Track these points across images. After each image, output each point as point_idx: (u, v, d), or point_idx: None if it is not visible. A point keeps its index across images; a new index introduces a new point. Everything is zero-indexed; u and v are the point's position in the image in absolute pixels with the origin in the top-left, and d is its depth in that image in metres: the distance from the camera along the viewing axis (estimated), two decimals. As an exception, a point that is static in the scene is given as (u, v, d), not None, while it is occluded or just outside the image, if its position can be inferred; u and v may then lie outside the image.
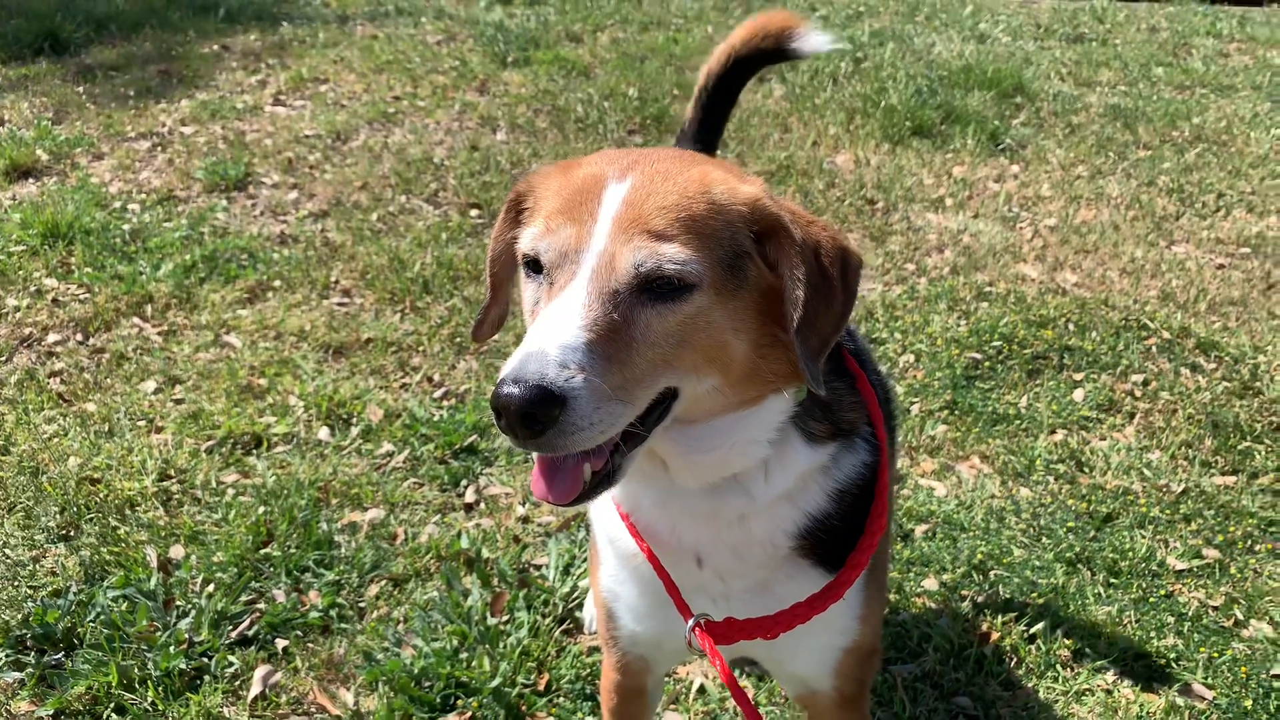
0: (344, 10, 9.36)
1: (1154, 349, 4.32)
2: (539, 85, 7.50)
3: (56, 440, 3.65)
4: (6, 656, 2.72)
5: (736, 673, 2.74)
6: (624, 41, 8.59)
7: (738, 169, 1.49)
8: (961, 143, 6.49)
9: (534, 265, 1.36)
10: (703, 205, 1.31)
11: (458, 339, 4.45)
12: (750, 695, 2.64)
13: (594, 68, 7.96)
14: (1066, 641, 2.74)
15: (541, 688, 2.66)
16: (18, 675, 2.68)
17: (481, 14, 9.23)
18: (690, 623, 1.56)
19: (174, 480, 3.47)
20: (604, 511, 1.68)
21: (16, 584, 2.95)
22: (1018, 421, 3.84)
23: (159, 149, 6.36)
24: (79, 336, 4.40)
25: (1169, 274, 4.99)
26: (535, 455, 1.28)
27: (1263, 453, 3.60)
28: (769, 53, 2.23)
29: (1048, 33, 9.23)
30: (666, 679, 2.72)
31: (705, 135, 2.38)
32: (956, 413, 3.90)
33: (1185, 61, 8.47)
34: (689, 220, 1.29)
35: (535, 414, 1.15)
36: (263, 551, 3.12)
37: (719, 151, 2.64)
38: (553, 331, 1.20)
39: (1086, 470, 3.57)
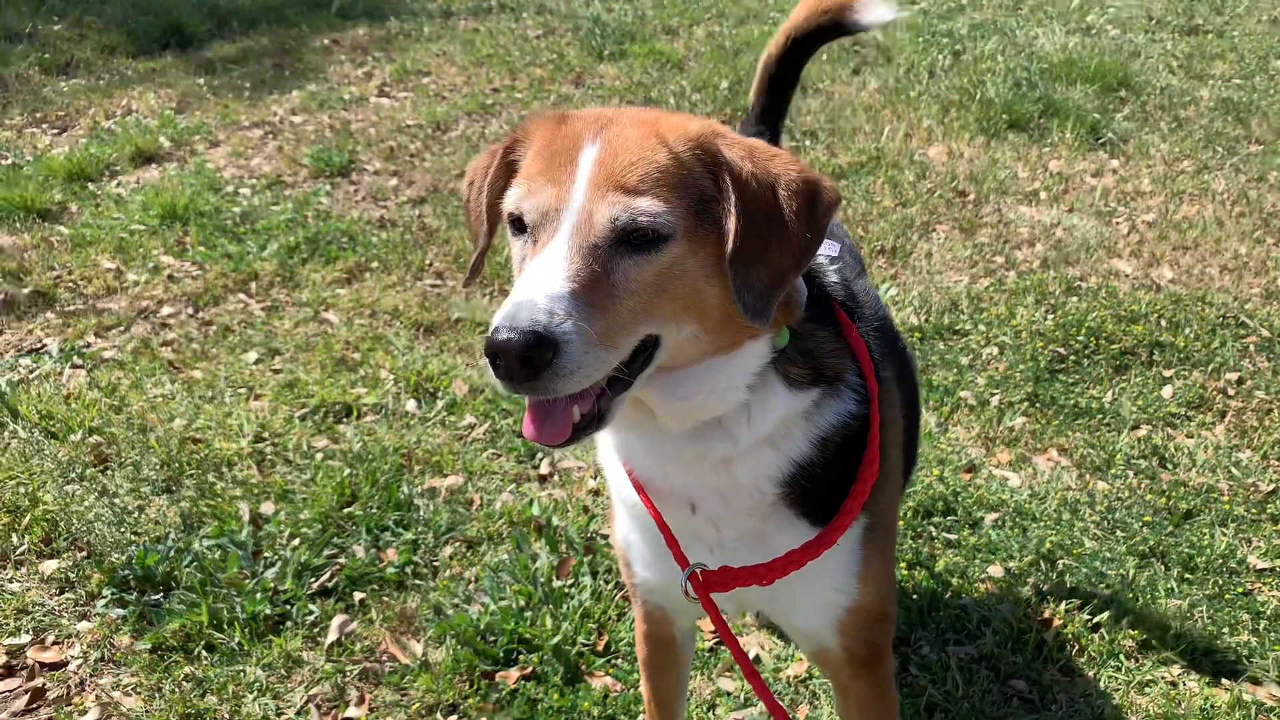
0: (449, 6, 9.64)
1: (1252, 347, 4.16)
2: (633, 78, 7.60)
3: (164, 403, 3.90)
4: (111, 595, 2.94)
5: (750, 615, 2.79)
6: (719, 35, 8.62)
7: (691, 115, 1.54)
8: (1059, 136, 6.33)
9: (518, 224, 1.43)
10: (665, 156, 1.39)
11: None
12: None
13: (688, 61, 8.03)
14: (1132, 632, 2.69)
15: (600, 648, 2.74)
16: (121, 612, 2.89)
17: (580, 8, 9.38)
18: (686, 571, 1.62)
19: (268, 443, 3.68)
20: (613, 465, 1.74)
21: (122, 529, 3.18)
22: (1100, 416, 3.76)
23: (270, 137, 6.69)
24: (190, 310, 4.68)
25: (1275, 271, 4.79)
26: (528, 399, 1.36)
27: (1362, 455, 3.45)
28: (828, 28, 2.26)
29: (1160, 25, 8.89)
30: (724, 647, 2.77)
31: (769, 119, 2.42)
32: (1037, 405, 3.83)
33: (1309, 54, 8.05)
34: (658, 173, 1.37)
35: (532, 357, 1.22)
36: (346, 511, 3.29)
37: (784, 138, 2.67)
38: (539, 283, 1.28)
39: (1169, 467, 3.48)
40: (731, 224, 1.37)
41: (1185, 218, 5.37)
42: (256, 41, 8.50)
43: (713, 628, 2.82)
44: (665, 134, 1.41)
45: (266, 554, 3.12)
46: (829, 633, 1.74)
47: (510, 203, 1.45)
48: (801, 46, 2.32)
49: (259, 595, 2.92)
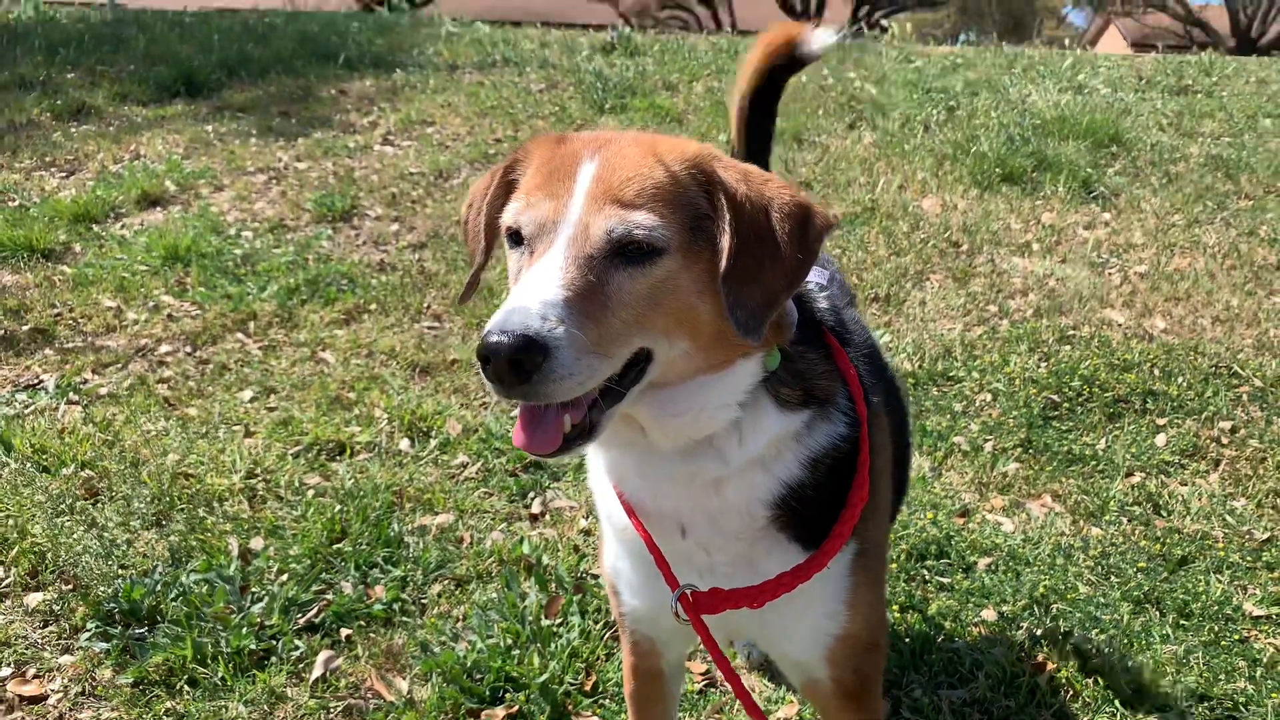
0: (454, 60, 9.84)
1: (1245, 397, 4.18)
2: (634, 130, 7.72)
3: (158, 438, 3.90)
4: (95, 628, 2.91)
5: (740, 658, 2.76)
6: (718, 91, 8.78)
7: (689, 139, 1.57)
8: (1052, 190, 6.42)
9: (515, 237, 1.46)
10: (662, 174, 1.41)
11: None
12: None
13: (687, 114, 8.17)
14: (1126, 679, 2.66)
15: (588, 688, 2.71)
16: (104, 646, 2.86)
17: (583, 63, 9.57)
18: (676, 593, 1.61)
19: (260, 479, 3.67)
20: (603, 490, 1.74)
21: (110, 562, 3.16)
22: (1094, 463, 3.76)
23: (274, 182, 6.77)
24: (188, 348, 4.70)
25: (1266, 324, 4.82)
26: (519, 407, 1.37)
27: (1356, 504, 3.44)
28: (786, 63, 2.33)
29: (1149, 84, 9.07)
30: (714, 688, 2.74)
31: (754, 159, 2.46)
32: (1031, 451, 3.83)
33: (1298, 115, 8.20)
34: (654, 189, 1.40)
35: (521, 360, 1.24)
36: (335, 546, 3.27)
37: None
38: (533, 290, 1.30)
39: (1164, 514, 3.47)
40: (725, 242, 1.40)
41: (1177, 269, 5.42)
42: (265, 90, 8.66)
43: (702, 670, 2.80)
44: (663, 153, 1.45)
45: (254, 589, 3.10)
46: (818, 661, 1.72)
47: (509, 217, 1.48)
48: (767, 85, 2.39)
49: (245, 630, 2.89)
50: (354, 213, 6.30)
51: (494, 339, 1.24)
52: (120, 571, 3.13)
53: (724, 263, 1.39)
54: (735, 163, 1.50)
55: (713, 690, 2.74)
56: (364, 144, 7.50)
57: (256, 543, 3.32)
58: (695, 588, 1.64)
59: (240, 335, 4.83)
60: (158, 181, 6.57)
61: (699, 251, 1.42)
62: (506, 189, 1.58)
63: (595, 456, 1.73)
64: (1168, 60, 10.30)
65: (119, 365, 4.52)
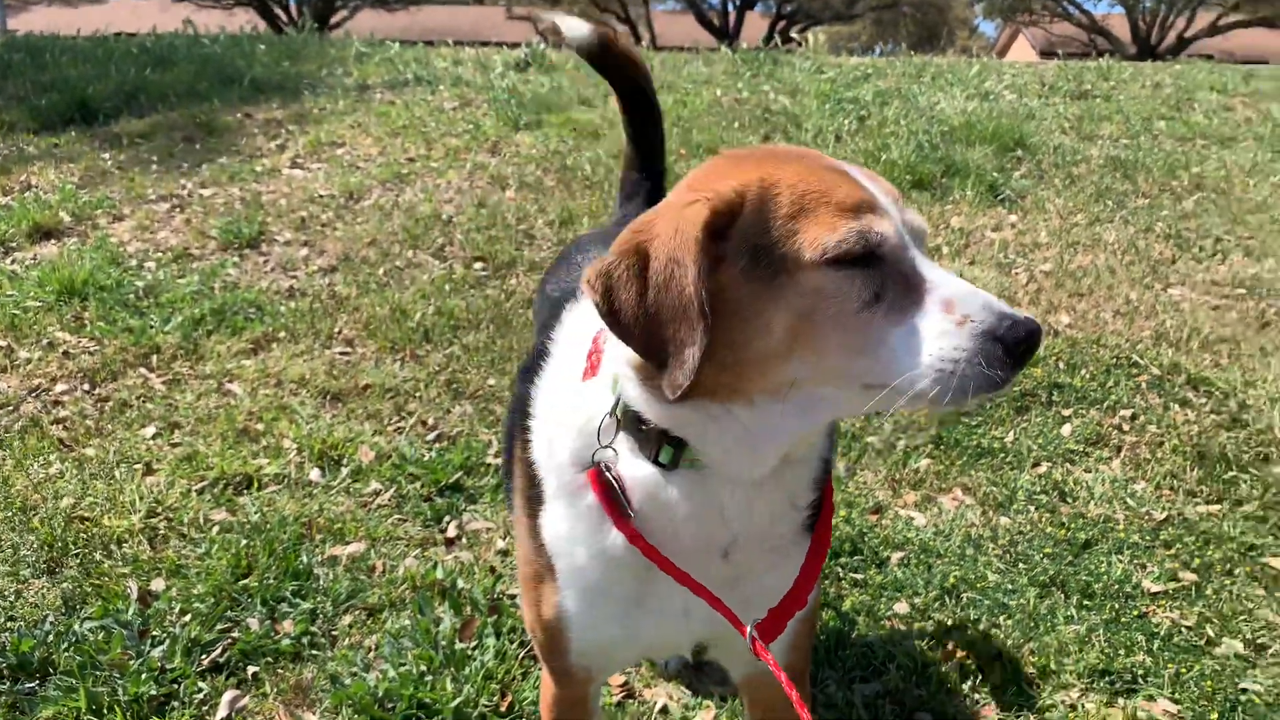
0: (364, 80, 9.72)
1: (1144, 385, 4.30)
2: (549, 146, 7.71)
3: (50, 482, 3.74)
4: (-18, 683, 2.77)
5: (675, 683, 2.72)
6: (632, 105, 8.81)
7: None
8: (961, 194, 6.56)
9: (853, 260, 1.37)
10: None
11: (454, 385, 4.53)
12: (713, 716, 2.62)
13: (603, 129, 8.18)
14: (1032, 660, 2.71)
15: (504, 709, 2.66)
16: (-8, 701, 2.72)
17: (497, 80, 9.53)
18: (749, 632, 1.53)
19: (162, 518, 3.54)
20: (578, 529, 1.65)
21: (-2, 613, 3.01)
22: (1002, 455, 3.83)
23: (177, 210, 6.59)
24: (86, 386, 4.53)
25: (1163, 315, 4.98)
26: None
27: (1248, 481, 3.56)
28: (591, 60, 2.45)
29: (1052, 90, 9.36)
30: (631, 699, 2.71)
31: (641, 159, 2.63)
32: (942, 447, 3.89)
33: (1188, 115, 8.54)
34: None
35: None
36: (241, 583, 3.17)
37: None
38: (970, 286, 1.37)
39: (1069, 500, 3.55)
40: None
41: (1080, 267, 5.58)
42: (166, 116, 8.43)
43: (620, 681, 2.77)
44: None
45: (155, 632, 2.98)
46: (785, 649, 1.72)
47: (831, 243, 1.40)
48: (614, 86, 2.54)
49: (144, 675, 2.77)
50: (262, 239, 6.15)
51: (1035, 323, 1.28)
52: (9, 624, 2.99)
53: None
54: None
55: (630, 701, 2.71)
56: (271, 168, 7.35)
57: (157, 584, 3.19)
58: (758, 619, 1.57)
59: (142, 370, 4.67)
60: (51, 212, 6.34)
61: None
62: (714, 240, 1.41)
63: (570, 507, 1.66)
64: (1069, 66, 10.65)
65: (10, 408, 4.33)
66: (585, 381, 1.63)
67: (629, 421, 1.52)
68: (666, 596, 1.63)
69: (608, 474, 1.54)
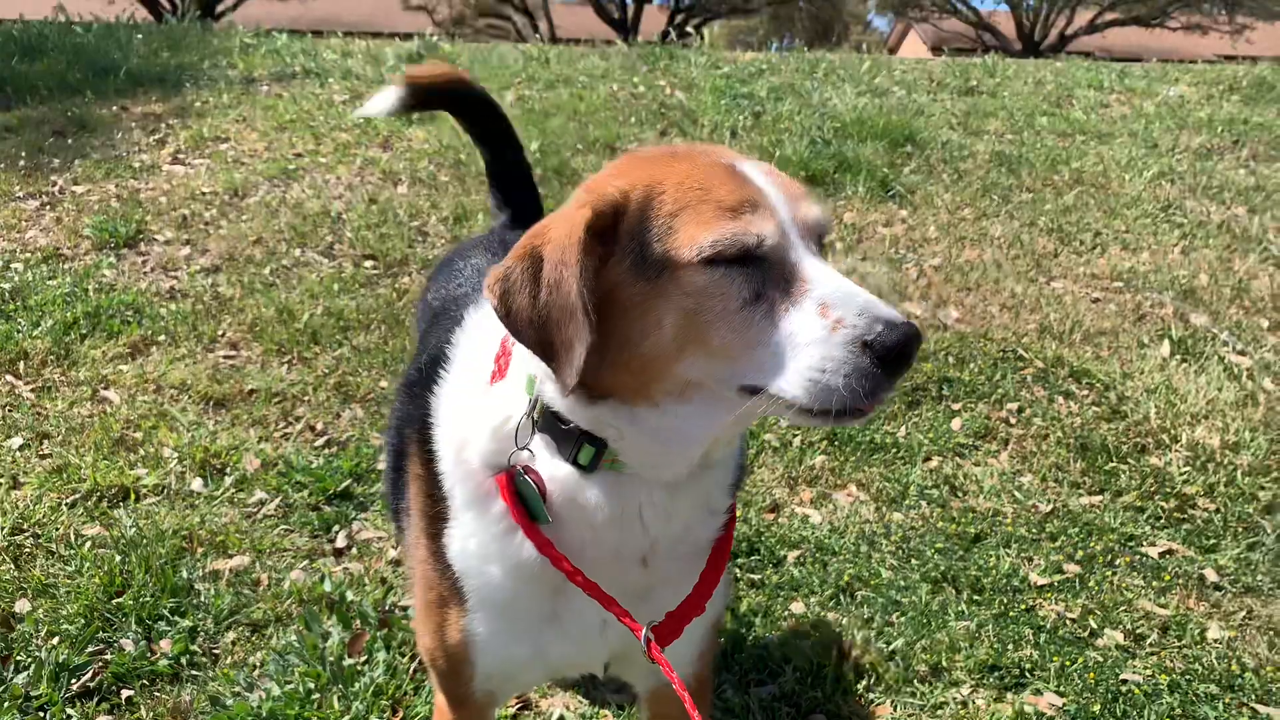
0: (250, 72, 9.37)
1: (1029, 378, 4.44)
2: (443, 141, 7.56)
3: (-95, 498, 3.49)
4: None
5: (572, 693, 2.69)
6: (530, 99, 8.72)
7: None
8: (853, 190, 6.68)
9: (730, 260, 1.36)
10: None
11: (344, 388, 4.39)
12: (610, 725, 2.60)
13: (499, 124, 8.05)
14: (925, 657, 2.76)
15: (395, 726, 2.58)
16: None
17: (388, 73, 9.29)
18: (644, 633, 1.51)
19: (28, 534, 3.34)
20: (488, 543, 1.60)
21: None
22: (895, 450, 3.90)
23: (48, 208, 6.23)
24: (-56, 395, 4.24)
25: (1047, 308, 5.16)
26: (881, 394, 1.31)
27: (1126, 472, 3.70)
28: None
29: (940, 86, 9.61)
30: (528, 710, 2.66)
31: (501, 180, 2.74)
32: (836, 444, 3.94)
33: (1068, 111, 8.87)
34: None
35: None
36: (115, 601, 3.00)
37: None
38: (852, 286, 1.35)
39: (959, 495, 3.63)
40: None
41: (968, 261, 5.74)
42: (34, 109, 7.97)
43: (516, 699, 2.71)
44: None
45: (19, 657, 2.80)
46: (693, 659, 1.71)
47: (706, 242, 1.41)
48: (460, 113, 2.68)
49: (6, 704, 2.60)
50: (140, 238, 5.86)
51: (912, 329, 1.25)
52: None
53: None
54: None
55: (526, 713, 2.66)
56: (150, 164, 7.01)
57: (22, 605, 3.00)
58: (654, 622, 1.54)
59: (9, 377, 4.40)
60: (-94, 212, 5.93)
61: None
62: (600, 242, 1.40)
63: (480, 518, 1.60)
64: (956, 63, 10.95)
65: None
66: (494, 385, 1.60)
67: (548, 422, 1.49)
68: (582, 610, 1.59)
69: (524, 476, 1.51)
